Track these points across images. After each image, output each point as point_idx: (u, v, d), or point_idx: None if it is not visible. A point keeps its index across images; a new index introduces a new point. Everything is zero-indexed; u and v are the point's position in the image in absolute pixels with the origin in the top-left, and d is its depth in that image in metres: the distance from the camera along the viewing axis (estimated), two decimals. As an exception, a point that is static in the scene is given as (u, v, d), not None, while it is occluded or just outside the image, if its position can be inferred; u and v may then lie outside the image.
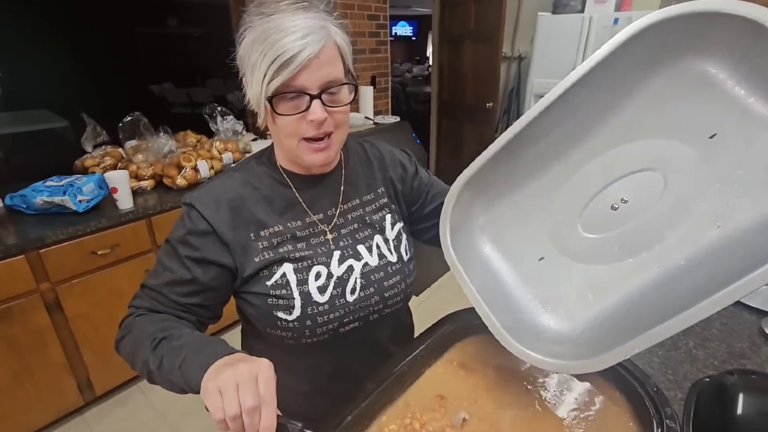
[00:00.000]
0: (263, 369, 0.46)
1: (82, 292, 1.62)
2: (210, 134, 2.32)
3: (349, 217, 0.72)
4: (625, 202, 0.59)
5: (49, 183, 1.57)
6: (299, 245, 0.67)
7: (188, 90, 8.01)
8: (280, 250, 0.66)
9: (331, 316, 0.66)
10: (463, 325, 0.70)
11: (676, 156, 0.55)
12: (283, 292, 0.64)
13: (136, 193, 1.79)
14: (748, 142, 0.50)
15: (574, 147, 0.62)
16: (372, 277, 0.70)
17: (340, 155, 0.74)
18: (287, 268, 0.65)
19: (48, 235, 1.48)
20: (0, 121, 4.59)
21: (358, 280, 0.69)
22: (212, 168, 2.02)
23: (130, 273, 1.74)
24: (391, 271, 0.72)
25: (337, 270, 0.68)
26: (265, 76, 0.54)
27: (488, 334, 0.57)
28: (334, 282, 0.67)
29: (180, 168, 1.90)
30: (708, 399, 0.61)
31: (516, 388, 0.63)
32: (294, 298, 0.64)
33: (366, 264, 0.70)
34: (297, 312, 0.64)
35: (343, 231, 0.71)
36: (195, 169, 1.92)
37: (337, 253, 0.69)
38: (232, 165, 0.72)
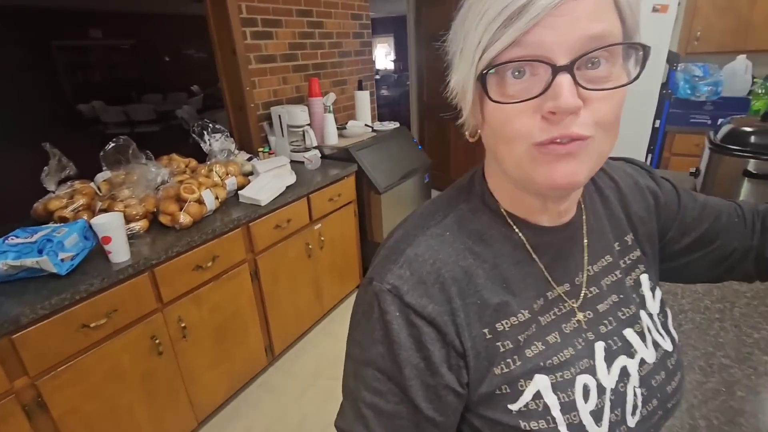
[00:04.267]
0: None
1: (72, 381, 1.21)
2: (199, 156, 1.94)
3: (604, 286, 0.47)
4: None
5: (15, 240, 1.14)
6: (549, 338, 0.43)
7: (124, 108, 7.16)
8: (528, 352, 0.42)
9: None
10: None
11: None
12: (541, 425, 0.40)
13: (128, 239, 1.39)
14: None
15: None
16: (653, 381, 0.46)
17: (584, 193, 0.49)
18: (542, 382, 0.41)
19: (23, 312, 1.06)
20: None
21: (638, 391, 0.44)
22: (217, 198, 1.65)
23: (132, 344, 1.34)
24: (671, 367, 0.47)
25: (608, 378, 0.43)
26: (480, 40, 0.34)
27: None
28: (610, 399, 0.43)
29: (180, 202, 1.52)
30: None
31: None
32: None
33: (643, 361, 0.46)
34: None
35: (600, 307, 0.46)
36: (200, 201, 1.55)
37: (599, 347, 0.45)
38: (427, 212, 0.46)
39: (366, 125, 2.62)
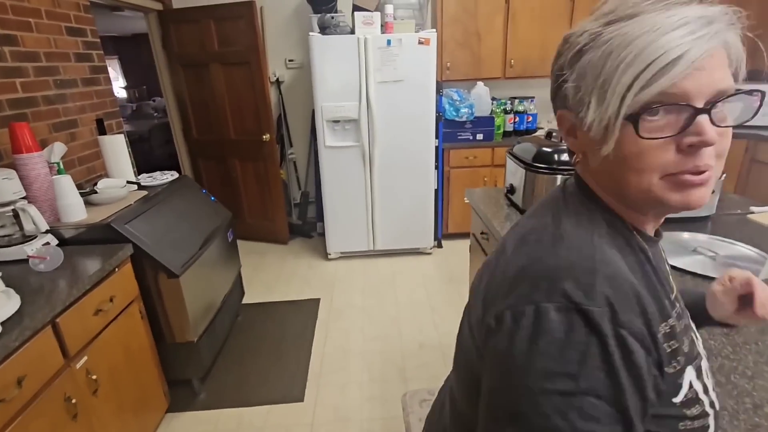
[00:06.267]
0: None
1: None
2: None
3: (680, 298, 0.56)
4: None
5: None
6: (680, 333, 0.47)
7: None
8: (683, 347, 0.47)
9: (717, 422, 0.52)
10: None
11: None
12: (696, 409, 0.47)
13: None
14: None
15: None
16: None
17: None
18: (690, 373, 0.47)
19: None
20: None
21: (708, 373, 0.53)
22: None
23: None
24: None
25: (704, 361, 0.52)
26: (631, 87, 0.40)
27: None
28: (706, 374, 0.51)
29: None
30: None
31: None
32: (708, 415, 0.48)
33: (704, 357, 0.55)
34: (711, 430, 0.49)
35: (683, 320, 0.52)
36: None
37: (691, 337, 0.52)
38: (576, 235, 0.46)
39: (129, 182, 1.84)
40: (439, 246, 3.30)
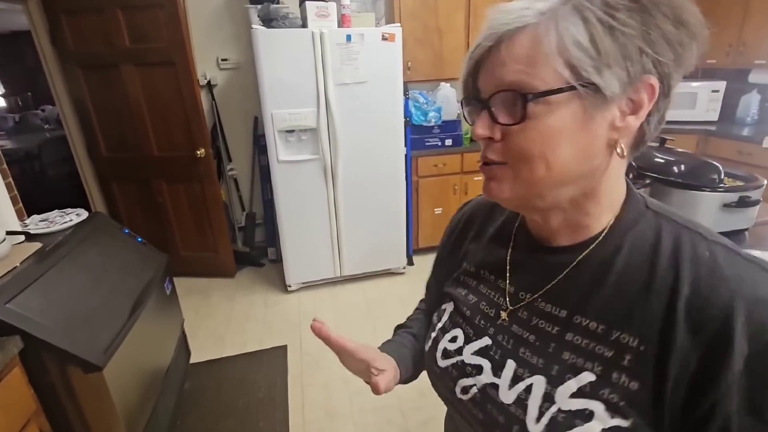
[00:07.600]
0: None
1: None
2: None
3: (535, 323, 0.48)
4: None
5: None
6: (470, 298, 0.56)
7: None
8: (459, 290, 0.58)
9: (441, 386, 0.55)
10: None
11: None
12: (435, 320, 0.60)
13: None
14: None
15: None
16: (488, 405, 0.48)
17: (607, 238, 0.46)
18: (449, 306, 0.59)
19: None
20: None
21: (474, 389, 0.50)
22: None
23: None
24: (505, 422, 0.46)
25: (468, 357, 0.52)
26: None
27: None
28: (455, 362, 0.53)
29: None
30: None
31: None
32: (431, 336, 0.59)
33: (495, 386, 0.48)
34: (426, 348, 0.59)
35: (514, 329, 0.50)
36: None
37: (484, 340, 0.52)
38: None
39: (10, 233, 1.27)
40: (411, 263, 2.99)
